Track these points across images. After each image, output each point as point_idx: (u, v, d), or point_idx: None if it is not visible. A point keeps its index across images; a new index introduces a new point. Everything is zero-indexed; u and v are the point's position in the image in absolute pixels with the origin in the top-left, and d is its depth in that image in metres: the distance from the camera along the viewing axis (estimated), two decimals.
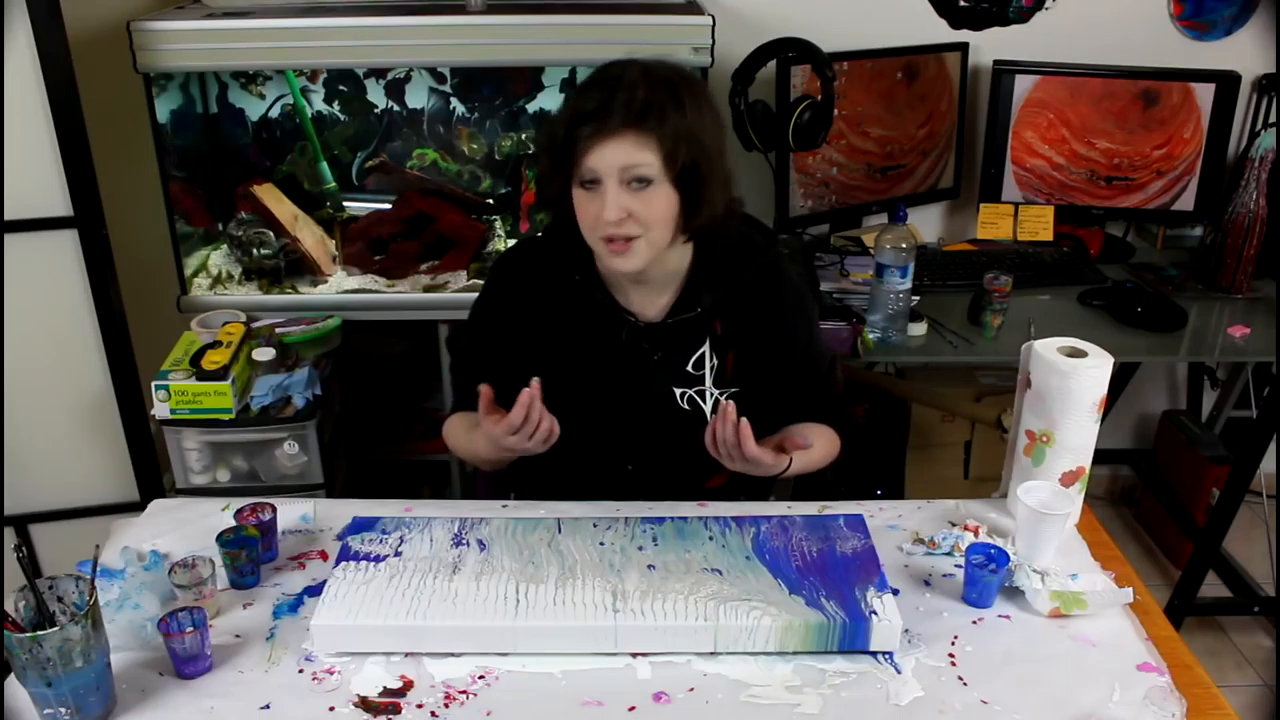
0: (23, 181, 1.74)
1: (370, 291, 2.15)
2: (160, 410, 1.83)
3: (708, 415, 1.42)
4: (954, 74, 2.38)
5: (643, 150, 1.23)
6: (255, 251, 2.14)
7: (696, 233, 1.35)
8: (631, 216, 1.26)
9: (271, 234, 2.14)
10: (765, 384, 1.44)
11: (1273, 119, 2.39)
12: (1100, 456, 1.48)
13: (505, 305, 1.46)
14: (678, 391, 1.42)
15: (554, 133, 1.28)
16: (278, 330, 2.02)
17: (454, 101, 2.32)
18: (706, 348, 1.42)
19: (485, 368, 1.47)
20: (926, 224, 2.55)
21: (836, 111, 2.09)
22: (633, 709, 1.06)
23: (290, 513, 1.37)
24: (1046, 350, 1.31)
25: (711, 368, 1.42)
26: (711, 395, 1.42)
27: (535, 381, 1.26)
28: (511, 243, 1.96)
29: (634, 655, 1.12)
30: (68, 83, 1.71)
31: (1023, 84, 2.34)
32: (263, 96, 2.30)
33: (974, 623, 1.19)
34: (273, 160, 2.33)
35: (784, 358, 1.45)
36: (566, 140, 1.25)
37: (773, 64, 2.10)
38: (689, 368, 1.42)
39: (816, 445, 1.46)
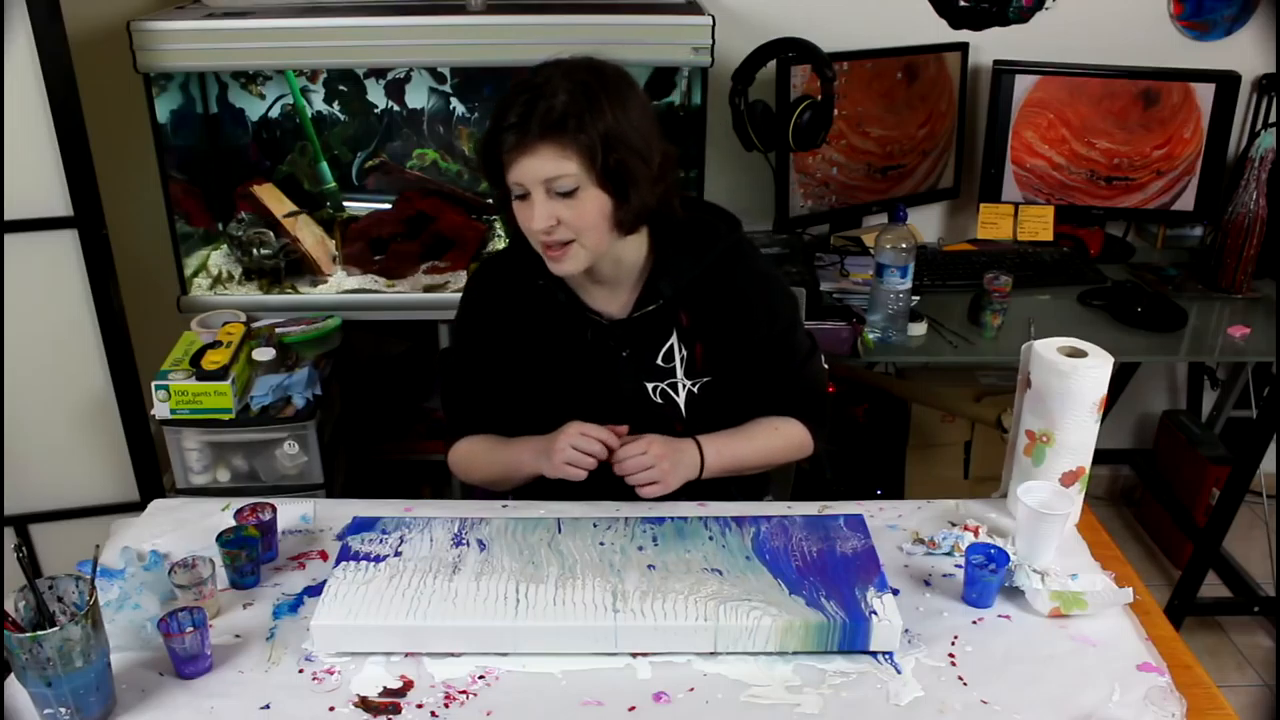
0: (23, 181, 1.74)
1: (370, 291, 2.15)
2: (160, 410, 1.83)
3: (681, 408, 1.43)
4: (954, 74, 2.38)
5: (562, 160, 1.24)
6: (255, 251, 2.14)
7: (638, 226, 1.36)
8: (561, 223, 1.27)
9: (271, 234, 2.14)
10: (737, 372, 1.44)
11: (1273, 119, 2.39)
12: (1100, 456, 1.48)
13: (481, 321, 1.47)
14: (649, 386, 1.42)
15: (480, 147, 1.30)
16: (278, 330, 2.02)
17: (454, 101, 2.32)
18: (674, 340, 1.42)
19: (478, 387, 1.48)
20: (926, 224, 2.55)
21: (836, 111, 2.09)
22: (633, 709, 1.06)
23: (290, 513, 1.37)
24: (1046, 350, 1.31)
25: (681, 359, 1.42)
26: (684, 387, 1.43)
27: (624, 429, 1.37)
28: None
29: (634, 655, 1.12)
30: (68, 83, 1.71)
31: (1023, 84, 2.34)
32: (263, 96, 2.30)
33: (974, 623, 1.19)
34: (273, 160, 2.33)
35: (751, 344, 1.44)
36: (490, 155, 1.28)
37: (773, 64, 2.10)
38: (659, 361, 1.42)
39: (756, 434, 1.46)
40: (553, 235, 1.28)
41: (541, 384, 1.44)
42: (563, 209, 1.27)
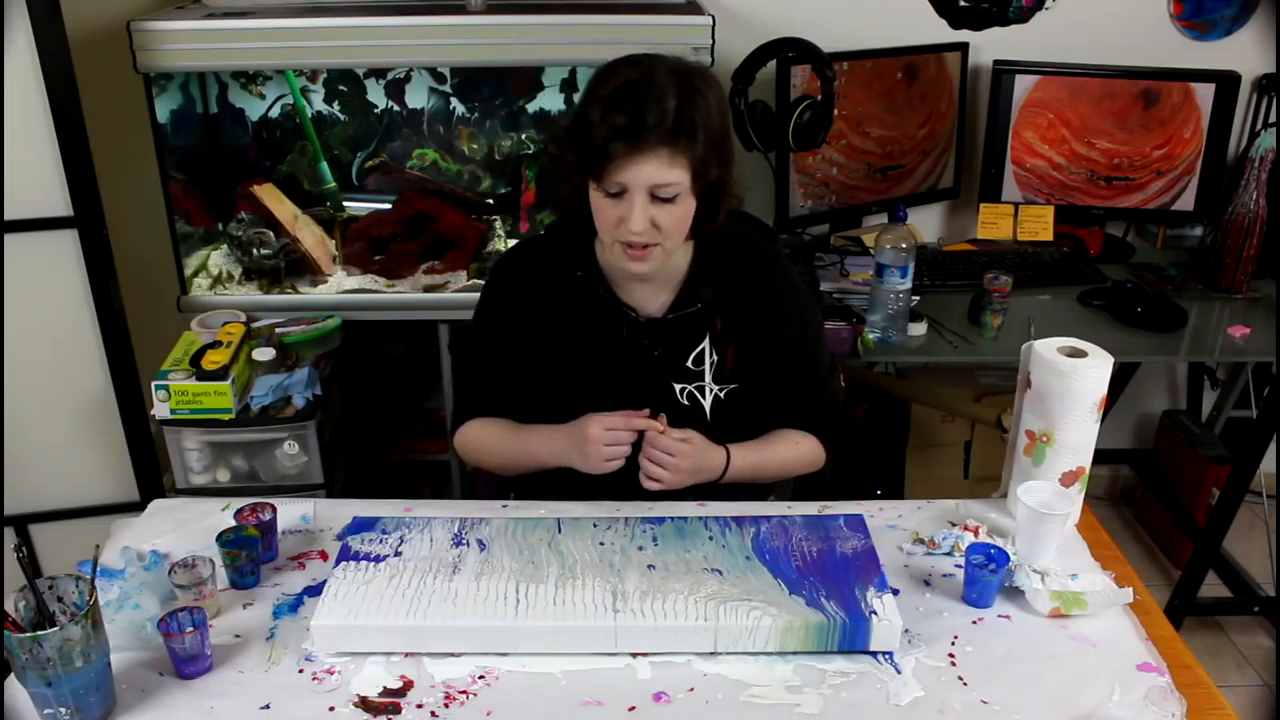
0: (23, 181, 1.74)
1: (370, 291, 2.15)
2: (160, 410, 1.83)
3: (707, 411, 1.43)
4: (954, 74, 2.38)
5: (672, 169, 1.25)
6: (255, 251, 2.14)
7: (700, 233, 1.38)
8: (654, 226, 1.28)
9: (271, 234, 2.14)
10: (764, 381, 1.45)
11: (1273, 119, 2.39)
12: (1100, 456, 1.48)
13: (508, 305, 1.47)
14: (677, 387, 1.43)
15: (586, 140, 1.26)
16: (278, 330, 2.02)
17: (454, 101, 2.32)
18: (706, 343, 1.42)
19: (494, 370, 1.48)
20: (926, 224, 2.55)
21: (836, 111, 2.09)
22: (633, 709, 1.06)
23: (290, 513, 1.37)
24: (1046, 350, 1.31)
25: (711, 364, 1.43)
26: (711, 391, 1.43)
27: (663, 416, 1.35)
28: (512, 243, 1.97)
29: (634, 655, 1.12)
30: (68, 83, 1.71)
31: (1023, 84, 2.34)
32: (263, 96, 2.30)
33: (974, 623, 1.19)
34: (273, 160, 2.33)
35: (780, 353, 1.45)
36: (600, 152, 1.25)
37: (773, 64, 2.10)
38: (689, 363, 1.43)
39: (778, 448, 1.48)
40: (643, 237, 1.28)
41: (566, 374, 1.43)
42: (660, 213, 1.27)
